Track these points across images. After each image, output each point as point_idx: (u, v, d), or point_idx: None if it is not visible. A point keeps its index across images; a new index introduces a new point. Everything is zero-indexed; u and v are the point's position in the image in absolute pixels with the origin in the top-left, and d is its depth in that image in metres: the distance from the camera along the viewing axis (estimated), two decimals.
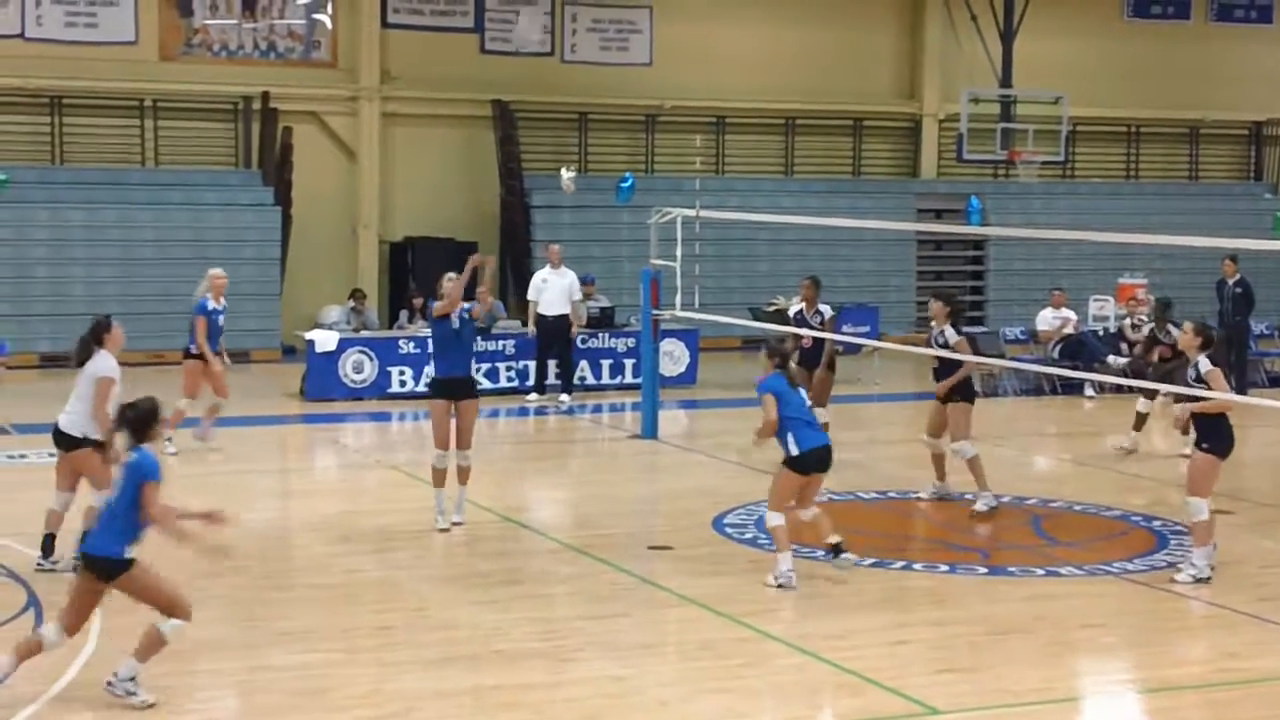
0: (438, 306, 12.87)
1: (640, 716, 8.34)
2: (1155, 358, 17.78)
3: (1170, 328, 17.00)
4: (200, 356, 16.15)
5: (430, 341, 13.66)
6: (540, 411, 20.19)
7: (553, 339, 20.68)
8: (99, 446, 10.83)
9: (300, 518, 13.56)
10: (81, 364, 11.28)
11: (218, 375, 16.28)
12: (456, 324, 12.94)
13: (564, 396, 20.61)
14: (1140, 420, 17.01)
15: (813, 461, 11.01)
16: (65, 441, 11.15)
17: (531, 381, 20.98)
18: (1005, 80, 29.17)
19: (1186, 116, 33.11)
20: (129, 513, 8.37)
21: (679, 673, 9.23)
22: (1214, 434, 11.12)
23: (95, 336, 11.36)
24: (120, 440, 8.69)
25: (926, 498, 14.04)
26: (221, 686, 8.84)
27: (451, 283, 12.88)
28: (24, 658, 8.42)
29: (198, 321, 16.19)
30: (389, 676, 8.91)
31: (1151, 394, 16.47)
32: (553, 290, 20.71)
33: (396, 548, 12.39)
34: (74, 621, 8.53)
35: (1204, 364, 11.09)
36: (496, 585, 11.11)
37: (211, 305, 16.24)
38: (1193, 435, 11.59)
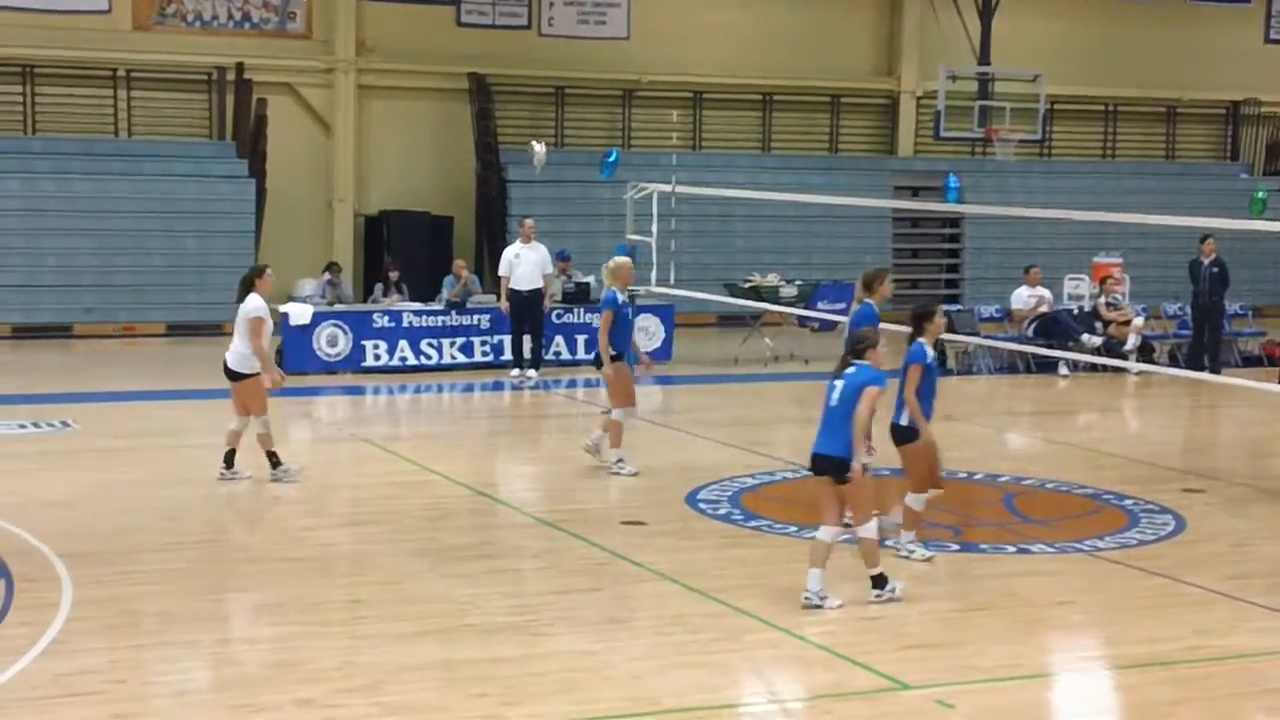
0: None
1: (612, 690, 8.34)
2: None
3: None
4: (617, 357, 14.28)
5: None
6: (515, 387, 20.16)
7: (526, 314, 20.62)
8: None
9: (273, 491, 13.52)
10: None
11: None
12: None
13: (531, 372, 20.55)
14: None
15: None
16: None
17: (509, 356, 20.94)
18: (983, 58, 29.16)
19: (1164, 96, 33.18)
20: None
21: (650, 647, 9.22)
22: None
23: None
24: None
25: None
26: (193, 659, 8.80)
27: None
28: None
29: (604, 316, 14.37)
30: (361, 650, 8.90)
31: None
32: (525, 265, 20.62)
33: (369, 521, 12.37)
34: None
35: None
36: (469, 559, 11.10)
37: (622, 299, 14.40)
38: None
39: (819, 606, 9.80)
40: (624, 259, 14.78)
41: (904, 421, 10.90)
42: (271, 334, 13.66)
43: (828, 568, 9.87)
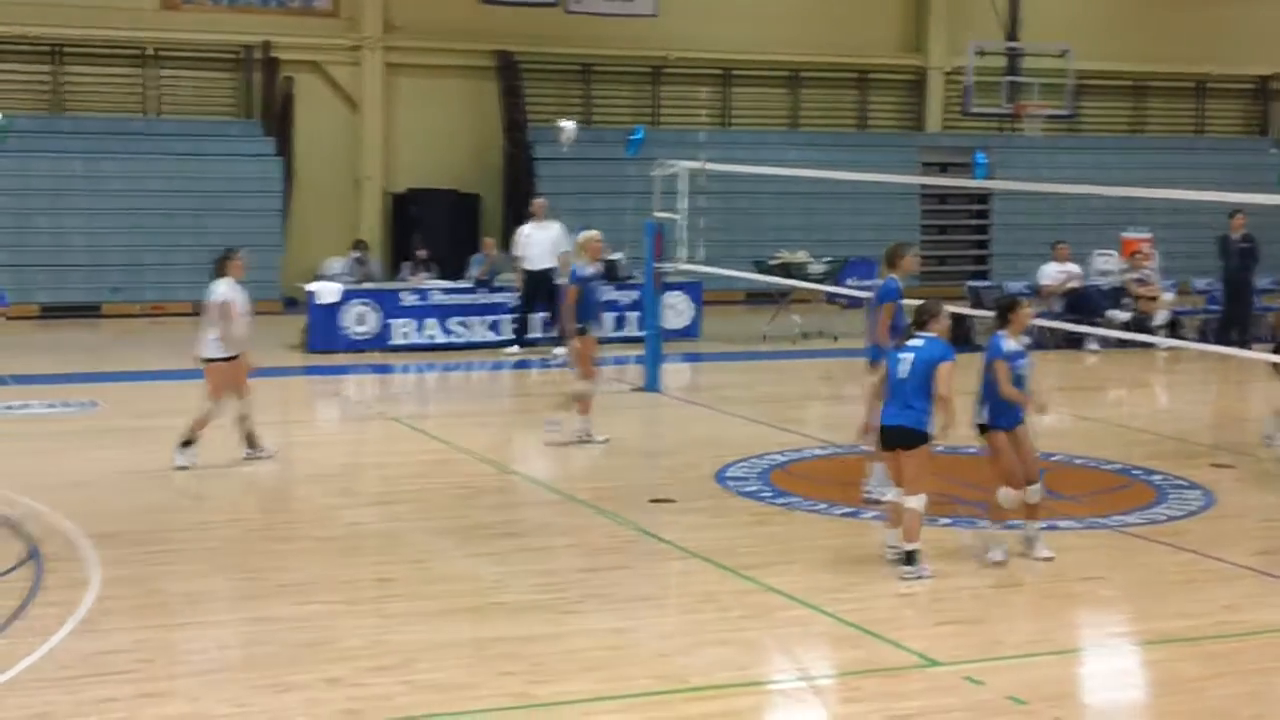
0: None
1: (640, 668, 8.33)
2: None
3: None
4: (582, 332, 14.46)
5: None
6: (544, 364, 20.17)
7: (538, 292, 20.70)
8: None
9: (302, 470, 13.56)
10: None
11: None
12: None
13: (557, 350, 20.58)
14: None
15: None
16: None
17: (534, 334, 20.98)
18: (1012, 33, 28.95)
19: (1193, 71, 32.95)
20: None
21: (680, 625, 9.22)
22: None
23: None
24: None
25: None
26: (221, 637, 8.83)
27: None
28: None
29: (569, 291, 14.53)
30: (389, 628, 8.91)
31: None
32: (536, 244, 20.72)
33: (397, 500, 12.39)
34: None
35: None
36: (497, 537, 11.11)
37: (590, 272, 14.50)
38: None
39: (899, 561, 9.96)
40: (593, 233, 14.87)
41: (983, 420, 10.47)
42: (244, 317, 13.38)
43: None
